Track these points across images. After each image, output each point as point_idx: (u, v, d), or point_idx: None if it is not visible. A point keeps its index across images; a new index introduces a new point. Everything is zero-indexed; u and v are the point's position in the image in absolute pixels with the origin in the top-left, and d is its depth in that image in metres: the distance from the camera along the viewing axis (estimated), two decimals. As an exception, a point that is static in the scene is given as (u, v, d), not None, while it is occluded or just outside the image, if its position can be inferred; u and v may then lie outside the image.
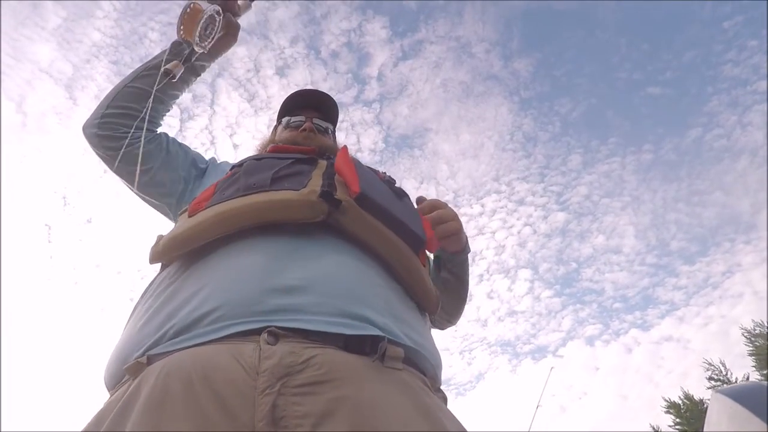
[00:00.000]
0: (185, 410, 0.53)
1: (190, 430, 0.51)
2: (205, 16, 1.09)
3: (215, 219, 0.77)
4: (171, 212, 1.10)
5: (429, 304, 0.85)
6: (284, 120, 1.21)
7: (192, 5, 1.09)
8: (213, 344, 0.61)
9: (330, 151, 1.10)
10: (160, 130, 1.16)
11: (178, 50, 1.14)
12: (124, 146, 1.03)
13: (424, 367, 0.71)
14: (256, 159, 0.98)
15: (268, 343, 0.59)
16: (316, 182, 0.81)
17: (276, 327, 0.61)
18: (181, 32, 1.10)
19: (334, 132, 1.26)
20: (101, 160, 1.09)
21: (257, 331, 0.61)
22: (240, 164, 0.98)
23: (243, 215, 0.76)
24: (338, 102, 1.27)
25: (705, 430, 1.65)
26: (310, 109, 1.22)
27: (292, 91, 1.25)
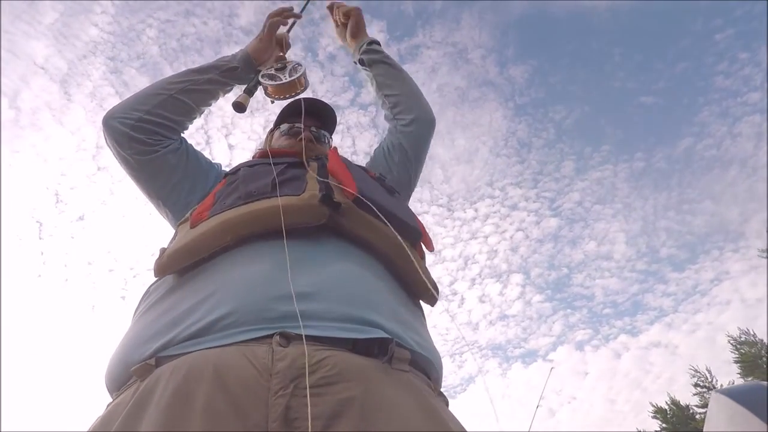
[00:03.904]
0: (200, 410, 0.53)
1: (204, 430, 0.51)
2: (299, 94, 1.19)
3: (219, 228, 0.77)
4: (173, 217, 1.06)
5: (429, 297, 0.88)
6: (282, 126, 1.21)
7: (300, 79, 1.17)
8: (225, 347, 0.61)
9: (319, 154, 1.11)
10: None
11: (232, 75, 1.16)
12: (153, 151, 1.01)
13: (428, 370, 0.73)
14: (249, 166, 0.98)
15: (281, 345, 0.60)
16: (312, 186, 0.83)
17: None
18: (271, 90, 1.17)
19: (330, 140, 1.27)
20: (119, 159, 1.04)
21: (269, 337, 0.62)
22: (234, 171, 0.99)
23: (247, 223, 0.77)
24: (334, 105, 1.29)
25: (705, 430, 1.69)
26: (308, 116, 1.21)
27: (293, 99, 1.25)
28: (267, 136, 1.29)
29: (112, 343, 0.77)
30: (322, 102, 1.27)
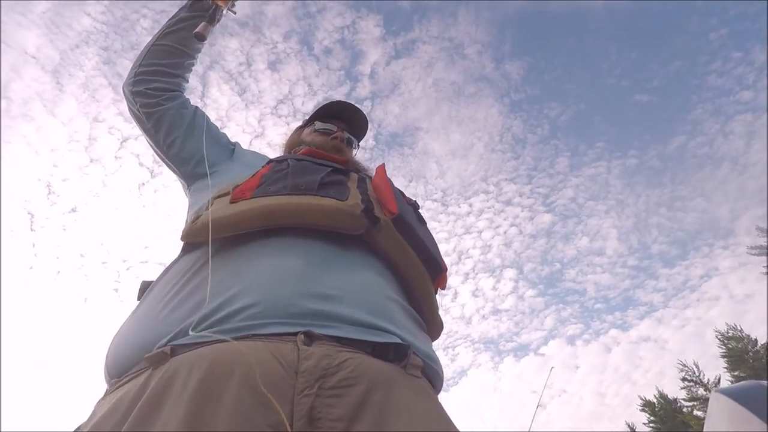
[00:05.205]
0: (225, 404, 0.53)
1: (230, 425, 0.51)
2: None
3: (260, 211, 0.78)
4: (186, 183, 1.12)
5: (433, 331, 0.90)
6: (316, 124, 1.25)
7: None
8: (249, 340, 0.61)
9: (359, 167, 1.14)
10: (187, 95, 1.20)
11: (198, 7, 1.19)
12: (157, 104, 1.09)
13: (433, 380, 0.77)
14: (296, 159, 1.00)
15: (305, 344, 0.61)
16: (355, 195, 0.85)
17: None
18: (220, 2, 1.19)
19: (357, 146, 1.31)
20: (135, 120, 1.13)
21: (292, 335, 0.63)
22: (281, 160, 1.00)
23: (289, 214, 0.78)
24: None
25: (705, 430, 1.70)
26: (342, 120, 1.27)
27: (330, 100, 1.30)
28: (295, 131, 1.32)
29: (106, 336, 0.75)
30: (357, 108, 1.29)
